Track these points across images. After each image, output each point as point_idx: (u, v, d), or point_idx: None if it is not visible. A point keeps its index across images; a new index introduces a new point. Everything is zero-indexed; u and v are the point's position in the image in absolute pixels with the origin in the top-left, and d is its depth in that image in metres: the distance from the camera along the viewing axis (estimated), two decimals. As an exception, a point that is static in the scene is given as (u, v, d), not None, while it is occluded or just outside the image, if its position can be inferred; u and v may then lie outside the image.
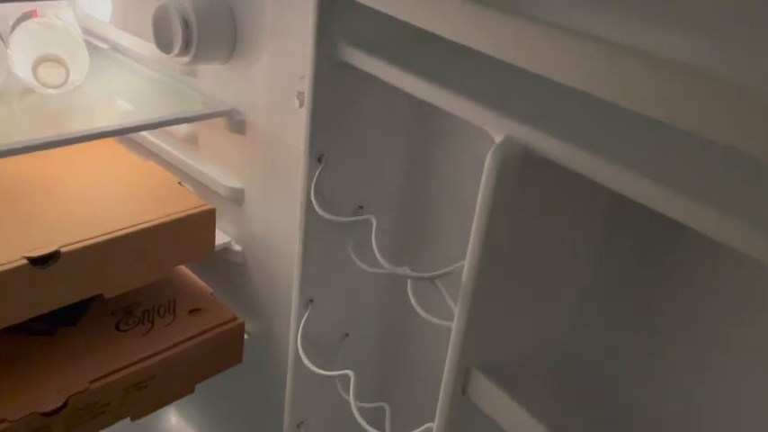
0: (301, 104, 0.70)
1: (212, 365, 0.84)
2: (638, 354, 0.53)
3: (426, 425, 0.53)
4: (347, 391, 0.61)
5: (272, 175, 0.81)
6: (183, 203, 0.80)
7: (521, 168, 0.42)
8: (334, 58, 0.55)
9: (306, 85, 0.57)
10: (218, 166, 0.88)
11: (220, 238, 0.89)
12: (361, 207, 0.67)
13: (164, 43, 0.76)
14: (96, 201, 0.78)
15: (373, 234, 0.56)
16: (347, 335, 0.76)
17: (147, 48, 0.89)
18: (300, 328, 0.67)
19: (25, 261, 0.66)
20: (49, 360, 0.74)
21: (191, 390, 0.83)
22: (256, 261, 0.89)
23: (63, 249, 0.68)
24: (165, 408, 1.15)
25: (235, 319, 0.85)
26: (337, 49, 0.54)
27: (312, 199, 0.60)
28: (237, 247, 0.90)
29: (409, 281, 0.53)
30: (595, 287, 0.53)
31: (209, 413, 1.10)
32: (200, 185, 0.89)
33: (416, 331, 0.74)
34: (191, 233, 0.80)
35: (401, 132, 0.65)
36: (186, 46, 0.74)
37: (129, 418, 0.77)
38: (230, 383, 1.01)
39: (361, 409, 0.60)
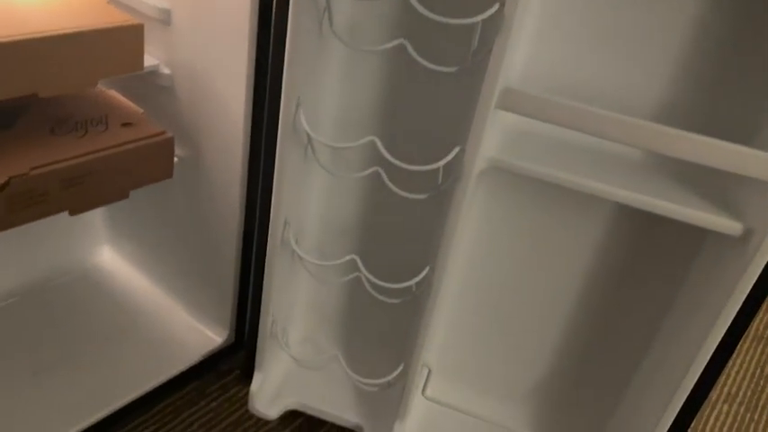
0: None
1: (145, 174, 0.91)
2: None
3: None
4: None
5: (199, -5, 0.86)
6: (112, 18, 0.84)
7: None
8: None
9: None
10: (146, -11, 0.92)
11: (148, 61, 0.94)
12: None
13: None
14: (27, 9, 0.81)
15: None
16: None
17: None
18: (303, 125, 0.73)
19: (-39, 45, 0.69)
20: (-13, 153, 0.78)
21: (125, 195, 0.89)
22: (185, 85, 0.94)
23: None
24: (99, 241, 1.23)
25: (164, 133, 0.91)
26: None
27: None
28: (166, 71, 0.95)
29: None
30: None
31: (142, 246, 1.18)
32: (128, 8, 0.93)
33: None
34: (120, 45, 0.84)
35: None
36: None
37: (67, 212, 0.83)
38: (160, 211, 1.09)
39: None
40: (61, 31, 0.77)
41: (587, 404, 0.94)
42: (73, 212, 0.84)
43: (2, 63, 0.73)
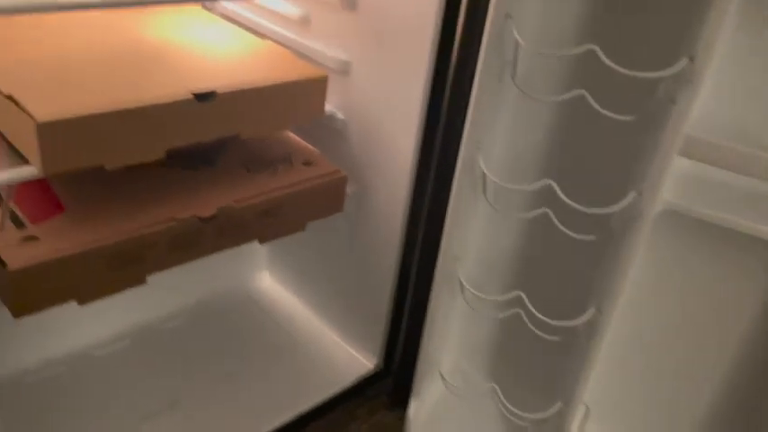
0: (415, -25, 0.84)
1: (321, 208, 1.00)
2: None
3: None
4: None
5: (380, 49, 0.95)
6: (302, 70, 0.95)
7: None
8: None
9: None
10: (328, 43, 1.03)
11: (326, 107, 1.04)
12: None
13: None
14: (234, 62, 0.93)
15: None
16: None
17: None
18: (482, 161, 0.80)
19: (191, 96, 0.81)
20: (198, 187, 0.90)
21: (303, 227, 0.99)
22: (357, 129, 1.04)
23: (218, 91, 0.83)
24: (259, 267, 1.35)
25: (339, 172, 1.00)
26: None
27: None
28: (341, 116, 1.05)
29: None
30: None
31: (299, 273, 1.28)
32: (311, 60, 1.04)
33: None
34: (308, 94, 0.95)
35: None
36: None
37: (257, 240, 0.93)
38: (321, 240, 1.18)
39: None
40: (263, 83, 0.88)
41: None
42: (262, 241, 0.94)
43: (217, 109, 0.84)
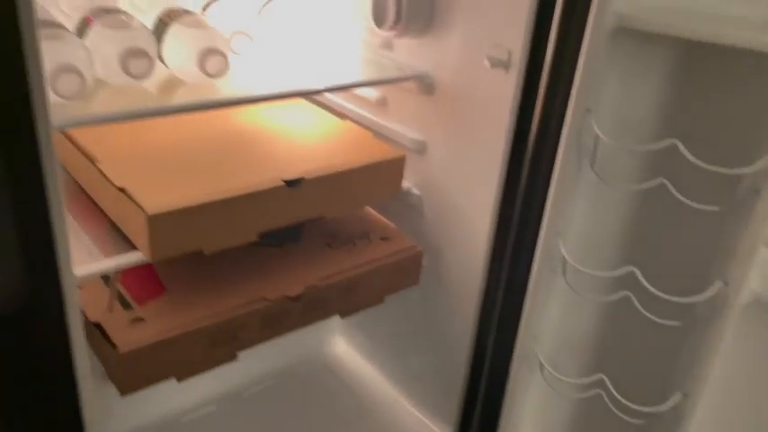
0: (493, 65, 0.88)
1: (397, 282, 1.03)
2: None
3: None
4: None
5: (456, 131, 0.99)
6: (381, 151, 0.99)
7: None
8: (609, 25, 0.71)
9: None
10: (404, 124, 1.08)
11: (403, 184, 1.08)
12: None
13: (379, 18, 0.95)
14: (319, 145, 0.99)
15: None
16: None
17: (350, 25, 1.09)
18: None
19: (282, 183, 0.87)
20: (284, 264, 0.95)
21: (381, 300, 1.02)
22: (432, 205, 1.07)
23: (306, 177, 0.89)
24: (333, 332, 1.38)
25: (415, 247, 1.04)
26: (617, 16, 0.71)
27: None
28: (416, 192, 1.09)
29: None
30: None
31: (373, 340, 1.30)
32: (388, 140, 1.09)
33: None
34: (387, 174, 0.99)
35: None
36: (396, 20, 0.94)
37: (338, 314, 0.97)
38: (396, 310, 1.21)
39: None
40: (346, 167, 0.93)
41: None
42: (343, 315, 0.98)
43: (305, 193, 0.89)
